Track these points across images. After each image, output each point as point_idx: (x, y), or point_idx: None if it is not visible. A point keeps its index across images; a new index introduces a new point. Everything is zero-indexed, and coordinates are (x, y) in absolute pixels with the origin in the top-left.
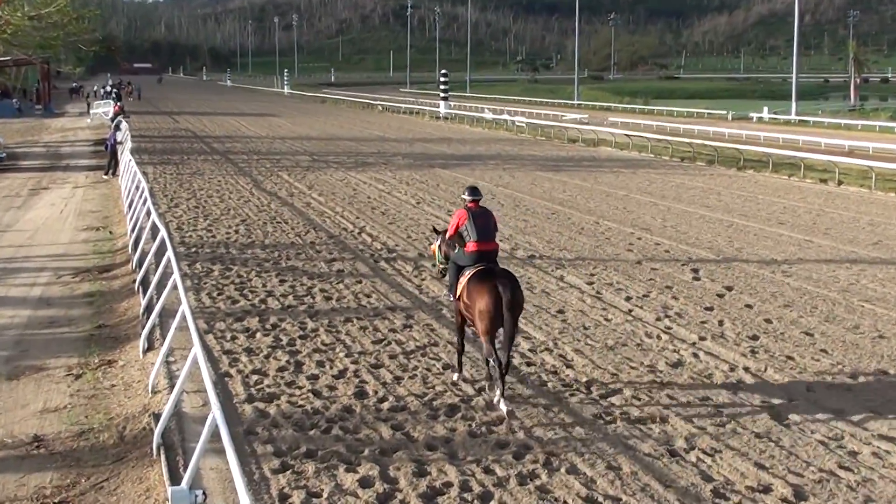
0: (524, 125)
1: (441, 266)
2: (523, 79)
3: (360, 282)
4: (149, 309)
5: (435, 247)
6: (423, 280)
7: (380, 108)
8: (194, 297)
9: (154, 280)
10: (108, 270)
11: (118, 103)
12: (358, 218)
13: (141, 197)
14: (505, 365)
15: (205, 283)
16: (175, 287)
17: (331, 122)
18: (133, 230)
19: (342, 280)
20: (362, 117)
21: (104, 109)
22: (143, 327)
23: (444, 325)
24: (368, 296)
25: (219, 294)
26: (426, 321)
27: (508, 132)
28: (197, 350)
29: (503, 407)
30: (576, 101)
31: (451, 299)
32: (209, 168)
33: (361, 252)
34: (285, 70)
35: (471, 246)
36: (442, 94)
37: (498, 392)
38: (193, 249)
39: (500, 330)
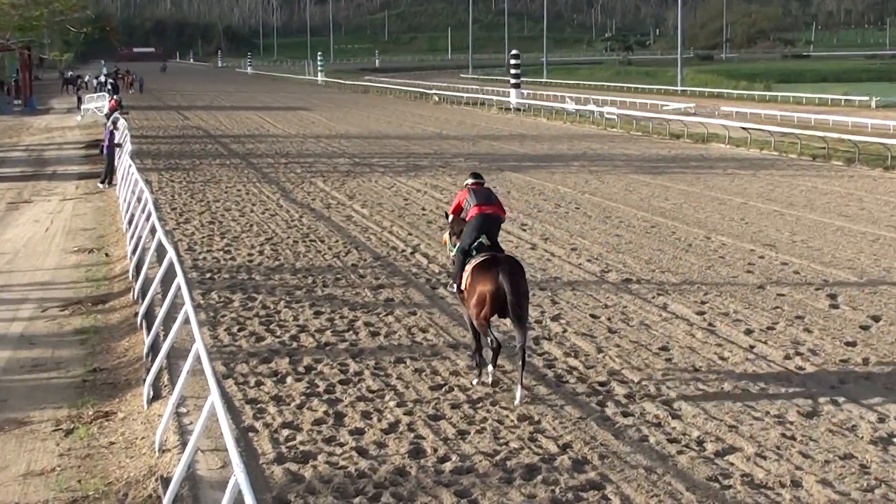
0: (615, 118)
1: (451, 256)
2: (613, 60)
3: (415, 313)
4: (154, 349)
5: (446, 236)
6: None
7: (435, 98)
8: (210, 333)
9: (160, 313)
10: (104, 302)
11: (114, 97)
12: (410, 234)
13: (144, 211)
14: (521, 360)
15: (223, 317)
16: (186, 321)
17: (375, 116)
18: (134, 252)
19: (392, 311)
20: (414, 110)
21: (98, 104)
22: (148, 371)
23: (515, 366)
24: (424, 331)
25: (240, 330)
26: (497, 362)
27: (596, 126)
28: (214, 399)
29: (518, 394)
30: (679, 87)
31: (455, 292)
32: (227, 174)
33: (415, 277)
34: (319, 53)
35: (473, 210)
36: (512, 81)
37: (518, 391)
38: (208, 275)
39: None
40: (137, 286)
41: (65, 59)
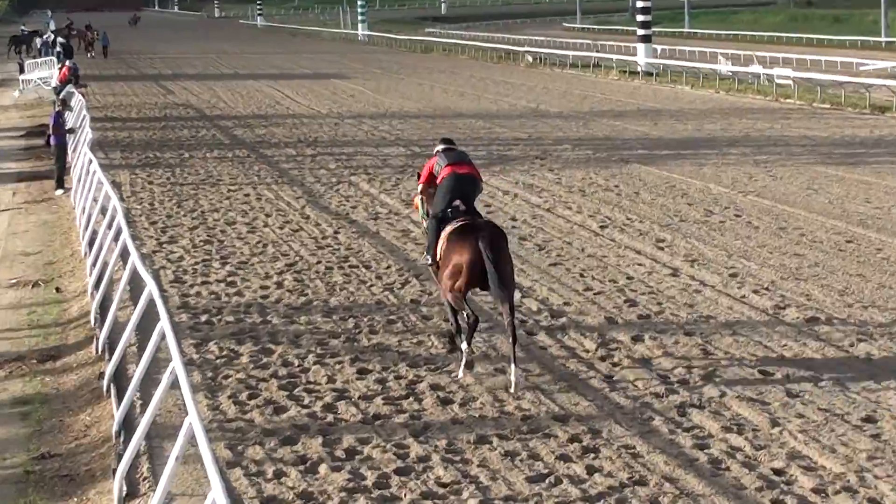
0: (790, 83)
1: (425, 224)
2: (787, 1)
3: (503, 370)
4: (128, 425)
5: (417, 199)
6: (614, 364)
7: (528, 58)
8: (209, 402)
9: (136, 374)
10: (56, 358)
11: (67, 63)
12: None
13: (111, 227)
14: (511, 338)
15: (226, 378)
16: (174, 385)
17: (442, 85)
18: (97, 286)
19: (470, 368)
20: (497, 76)
21: (43, 74)
22: (120, 458)
23: (654, 445)
24: (519, 397)
25: (251, 397)
26: (624, 440)
27: (762, 96)
28: (216, 497)
29: (512, 379)
30: (884, 38)
31: (429, 264)
32: (229, 172)
33: (501, 316)
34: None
35: (445, 170)
36: (641, 32)
37: (512, 375)
38: (204, 318)
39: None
40: (102, 335)
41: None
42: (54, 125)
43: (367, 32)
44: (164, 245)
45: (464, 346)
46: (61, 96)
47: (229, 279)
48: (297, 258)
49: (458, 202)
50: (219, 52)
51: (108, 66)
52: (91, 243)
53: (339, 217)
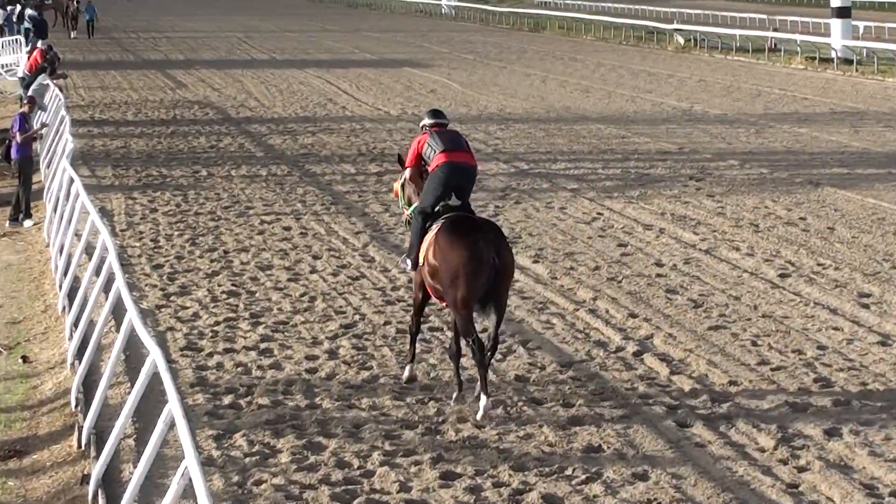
0: None
1: (407, 215)
2: None
3: (645, 476)
4: None
5: (398, 186)
6: (800, 468)
7: (678, 40)
8: None
9: (135, 476)
10: (22, 453)
11: (40, 44)
12: (633, 317)
13: (99, 272)
14: (491, 347)
15: (258, 485)
16: (187, 494)
17: (558, 76)
18: (80, 355)
19: (599, 472)
20: (635, 63)
21: (6, 60)
22: None
23: None
24: None
25: None
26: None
27: None
28: None
29: (482, 405)
30: None
31: (407, 269)
32: (261, 196)
33: (644, 402)
34: None
35: (439, 158)
36: (836, 4)
37: (483, 400)
38: (228, 400)
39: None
40: (87, 422)
41: None
42: (19, 130)
43: (453, 3)
44: (173, 298)
45: (406, 370)
46: (31, 89)
47: (263, 346)
48: (357, 317)
49: (452, 198)
50: (248, 30)
51: (97, 48)
52: (72, 295)
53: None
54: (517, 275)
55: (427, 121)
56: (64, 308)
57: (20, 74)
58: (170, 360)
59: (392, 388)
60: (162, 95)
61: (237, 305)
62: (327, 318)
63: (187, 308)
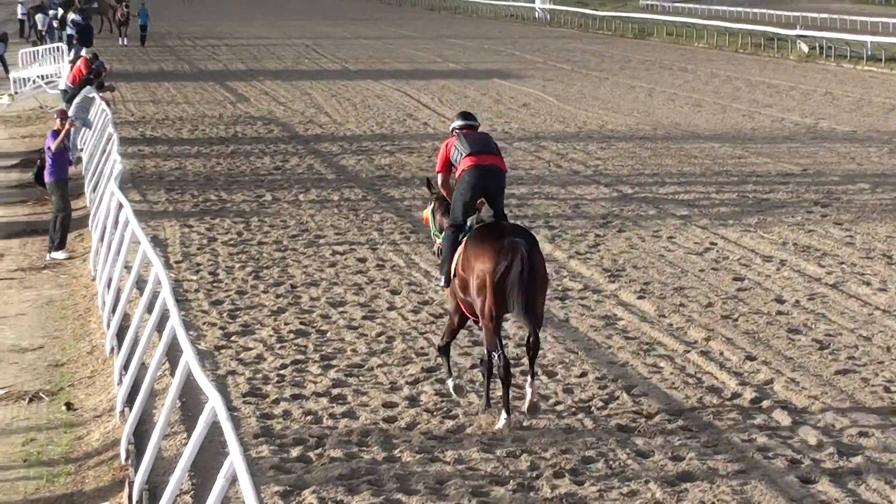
0: None
1: (438, 243)
2: None
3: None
4: None
5: (427, 213)
6: None
7: (801, 48)
8: None
9: None
10: None
11: (84, 52)
12: (752, 360)
13: (152, 309)
14: (533, 346)
15: None
16: None
17: (666, 88)
18: (130, 400)
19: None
20: (754, 74)
21: (47, 70)
22: None
23: None
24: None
25: None
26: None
27: None
28: None
29: (502, 421)
30: None
31: (441, 286)
32: (333, 224)
33: (767, 459)
34: None
35: (466, 161)
36: None
37: (503, 415)
38: (296, 452)
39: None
40: (139, 478)
41: None
42: (57, 152)
43: (548, 6)
44: (234, 338)
45: (450, 382)
46: (77, 104)
47: (335, 392)
48: (441, 360)
49: (483, 205)
50: (317, 37)
51: (148, 57)
52: (121, 334)
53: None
54: (621, 312)
55: (456, 122)
56: (112, 349)
57: (62, 87)
58: (231, 408)
59: (480, 439)
60: (221, 110)
61: (306, 346)
62: (407, 360)
63: (250, 349)
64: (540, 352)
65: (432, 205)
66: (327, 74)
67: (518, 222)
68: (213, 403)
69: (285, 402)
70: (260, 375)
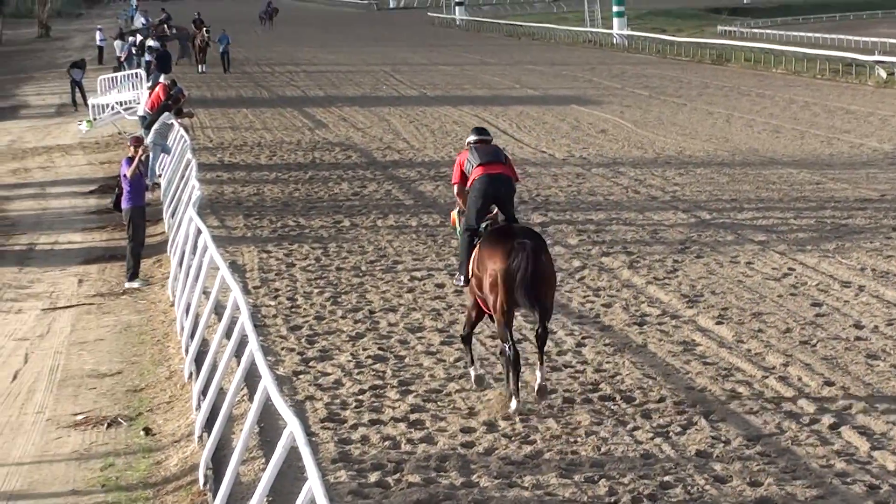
0: None
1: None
2: None
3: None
4: None
5: (455, 214)
6: None
7: (880, 73)
8: None
9: None
10: None
11: (163, 79)
12: (831, 386)
13: (230, 335)
14: (541, 336)
15: None
16: None
17: (744, 114)
18: (209, 425)
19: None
20: (832, 100)
21: (125, 96)
22: None
23: None
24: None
25: None
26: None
27: None
28: None
29: (513, 407)
30: None
31: (460, 285)
32: (411, 249)
33: (845, 485)
34: None
35: (477, 171)
36: None
37: (513, 402)
38: (375, 477)
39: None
40: (217, 502)
41: None
42: (133, 179)
43: (625, 32)
44: (312, 363)
45: (472, 371)
46: (156, 130)
47: (413, 417)
48: (520, 384)
49: (494, 209)
50: (395, 63)
51: (226, 83)
52: (199, 360)
53: (584, 321)
54: (699, 338)
55: (471, 137)
56: (191, 374)
57: (141, 113)
58: (309, 433)
59: (558, 464)
60: (299, 136)
61: (384, 372)
62: (486, 385)
63: (328, 375)
64: (548, 344)
65: (458, 209)
66: (405, 101)
67: (527, 224)
68: (292, 428)
69: (363, 428)
70: (338, 401)
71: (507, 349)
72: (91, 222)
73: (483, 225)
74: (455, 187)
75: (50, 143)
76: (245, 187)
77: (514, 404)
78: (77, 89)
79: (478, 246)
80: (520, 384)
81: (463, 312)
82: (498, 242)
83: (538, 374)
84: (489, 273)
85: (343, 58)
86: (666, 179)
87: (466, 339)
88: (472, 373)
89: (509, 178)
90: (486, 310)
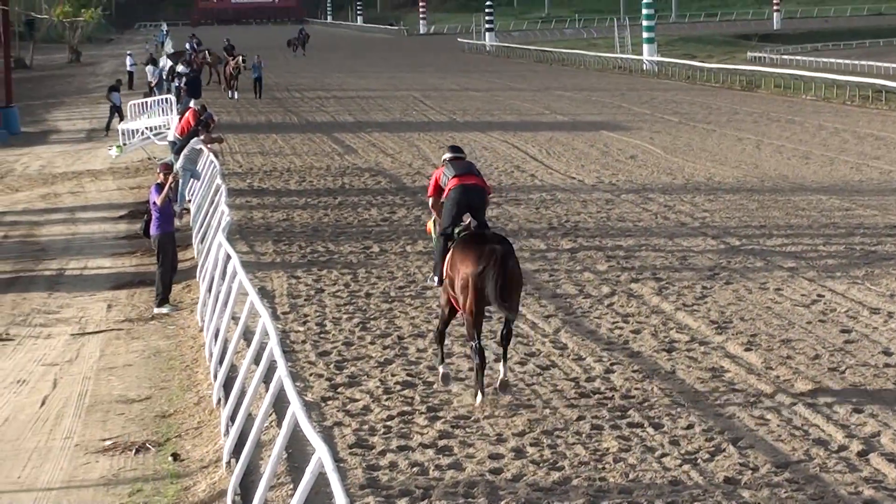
0: None
1: (434, 245)
2: None
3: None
4: None
5: (430, 223)
6: None
7: None
8: None
9: None
10: None
11: (193, 104)
12: (860, 413)
13: (259, 360)
14: (506, 336)
15: None
16: None
17: (774, 140)
18: (237, 452)
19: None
20: (862, 126)
21: (155, 122)
22: None
23: None
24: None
25: None
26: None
27: None
28: None
29: (478, 399)
30: None
31: (434, 285)
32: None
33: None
34: (645, 2)
35: (451, 182)
36: None
37: (479, 396)
38: None
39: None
40: None
41: (88, 19)
42: (163, 206)
43: (655, 58)
44: (341, 389)
45: (440, 368)
46: (185, 155)
47: (441, 443)
48: (547, 411)
49: (467, 217)
50: (425, 89)
51: (256, 109)
52: (228, 386)
53: (613, 348)
54: (727, 364)
55: (447, 154)
56: (219, 400)
57: (170, 138)
58: (337, 459)
59: (586, 490)
60: (329, 162)
61: (413, 398)
62: (513, 412)
63: (357, 401)
64: (510, 345)
65: (433, 219)
66: (435, 126)
67: (497, 231)
68: (320, 454)
69: (392, 454)
70: (366, 427)
71: (473, 345)
72: (120, 247)
73: (457, 231)
74: (430, 200)
75: (80, 168)
76: (274, 213)
77: (479, 398)
78: (116, 114)
79: (452, 250)
80: (484, 379)
81: (492, 338)
82: (470, 247)
83: (502, 369)
84: (461, 276)
85: (373, 83)
86: (695, 205)
87: (439, 338)
88: (441, 370)
89: (482, 189)
90: (456, 308)
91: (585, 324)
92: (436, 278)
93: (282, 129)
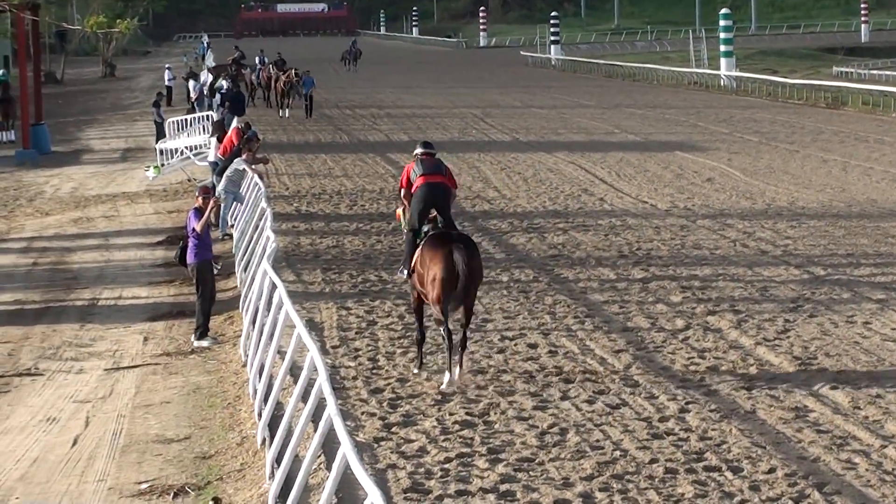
0: None
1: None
2: None
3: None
4: None
5: (400, 210)
6: None
7: None
8: None
9: None
10: None
11: (236, 122)
12: None
13: (307, 397)
14: (461, 342)
15: None
16: None
17: (861, 162)
18: (282, 496)
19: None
20: None
21: (192, 142)
22: None
23: None
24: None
25: None
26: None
27: None
28: None
29: (445, 379)
30: None
31: (404, 276)
32: (501, 307)
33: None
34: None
35: (419, 180)
36: None
37: (447, 376)
38: None
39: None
40: None
41: (121, 35)
42: (199, 234)
43: (734, 73)
44: (395, 429)
45: (415, 370)
46: (228, 177)
47: (503, 488)
48: (618, 453)
49: (433, 213)
50: (486, 106)
51: (304, 127)
52: (273, 425)
53: (688, 385)
54: (812, 404)
55: (418, 150)
56: (264, 440)
57: (212, 158)
58: None
59: None
60: (382, 184)
61: (472, 439)
62: (581, 454)
63: (412, 441)
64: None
65: (402, 207)
66: (496, 146)
67: (462, 230)
68: (373, 499)
69: (449, 499)
70: (422, 470)
71: (442, 329)
72: (158, 276)
73: (425, 229)
74: (402, 191)
75: (114, 191)
76: (323, 239)
77: (446, 377)
78: (160, 131)
79: (421, 247)
80: (452, 362)
81: (558, 375)
82: (437, 247)
83: (457, 371)
84: (429, 273)
85: (429, 100)
86: (777, 232)
87: (419, 341)
88: (415, 370)
89: (448, 187)
90: (424, 299)
91: (658, 359)
92: (405, 271)
93: (331, 149)
